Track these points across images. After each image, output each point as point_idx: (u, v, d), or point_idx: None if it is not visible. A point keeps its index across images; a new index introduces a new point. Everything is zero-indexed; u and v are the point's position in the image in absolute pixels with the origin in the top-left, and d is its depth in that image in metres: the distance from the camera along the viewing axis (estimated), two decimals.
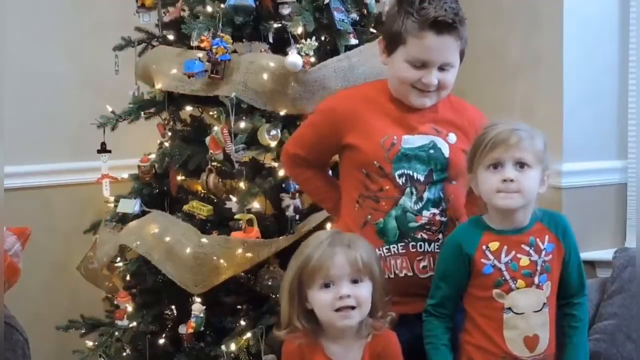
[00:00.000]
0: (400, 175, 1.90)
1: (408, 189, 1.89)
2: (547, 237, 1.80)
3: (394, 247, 1.89)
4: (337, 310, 1.70)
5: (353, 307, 1.71)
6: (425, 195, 1.90)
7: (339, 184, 2.06)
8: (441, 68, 1.89)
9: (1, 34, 2.66)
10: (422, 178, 1.90)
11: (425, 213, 1.89)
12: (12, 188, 2.72)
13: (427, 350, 1.83)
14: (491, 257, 1.78)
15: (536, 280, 1.78)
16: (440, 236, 1.91)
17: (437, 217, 1.90)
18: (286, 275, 1.78)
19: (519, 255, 1.78)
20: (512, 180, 1.71)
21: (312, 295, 1.73)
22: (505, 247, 1.78)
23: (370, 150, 1.91)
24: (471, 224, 1.85)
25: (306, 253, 1.74)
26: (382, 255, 1.89)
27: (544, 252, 1.79)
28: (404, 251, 1.89)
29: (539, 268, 1.79)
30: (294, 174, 2.15)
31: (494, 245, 1.78)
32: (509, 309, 1.77)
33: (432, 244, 1.90)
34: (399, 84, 1.93)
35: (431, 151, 1.91)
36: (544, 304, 1.79)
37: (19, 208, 2.74)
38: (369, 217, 1.91)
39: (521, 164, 1.73)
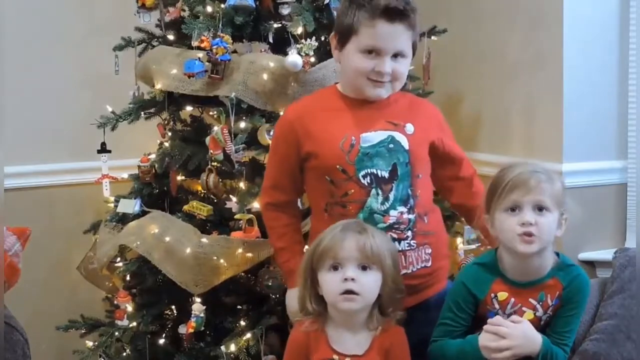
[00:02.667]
0: (364, 176, 1.89)
1: (373, 190, 1.89)
2: (557, 293, 1.78)
3: None
4: (342, 293, 1.72)
5: (357, 293, 1.72)
6: (392, 194, 1.90)
7: (307, 197, 2.05)
8: (394, 57, 1.89)
9: (1, 33, 2.66)
10: (386, 175, 1.90)
11: (393, 213, 1.89)
12: (12, 188, 2.72)
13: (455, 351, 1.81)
14: (497, 306, 1.79)
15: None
16: (409, 233, 1.90)
17: (405, 215, 1.90)
18: (302, 259, 1.81)
19: (524, 309, 1.78)
20: (531, 224, 1.69)
21: (321, 277, 1.75)
22: (513, 299, 1.78)
23: (330, 156, 1.91)
24: (484, 267, 1.82)
25: (320, 237, 1.78)
26: None
27: (550, 309, 1.78)
28: None
29: (542, 323, 1.79)
30: (272, 223, 2.07)
31: (503, 296, 1.78)
32: None
33: (402, 242, 1.90)
34: (354, 76, 1.92)
35: (391, 145, 1.91)
36: None
37: (19, 208, 2.73)
38: (339, 212, 1.91)
39: (540, 208, 1.70)
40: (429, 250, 1.95)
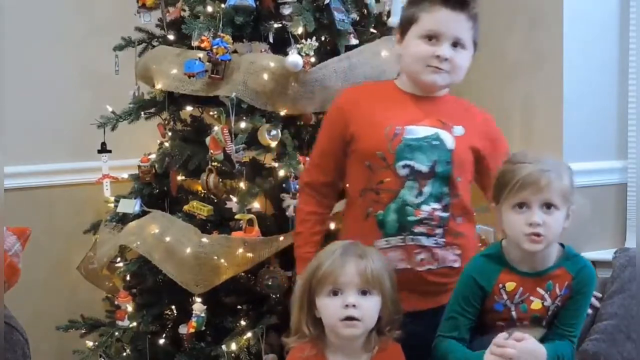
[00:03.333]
0: (402, 167, 1.91)
1: (409, 182, 1.90)
2: (566, 283, 1.79)
3: (392, 240, 1.92)
4: (343, 319, 1.70)
5: (358, 319, 1.70)
6: (427, 189, 1.91)
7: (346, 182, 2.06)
8: (454, 46, 1.92)
9: (1, 33, 2.66)
10: (425, 170, 1.91)
11: (425, 208, 1.90)
12: (12, 188, 2.72)
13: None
14: (505, 296, 1.79)
15: (544, 322, 1.79)
16: (438, 231, 1.91)
17: (437, 213, 1.91)
18: (298, 281, 1.79)
19: (532, 298, 1.78)
20: (539, 224, 1.70)
21: (320, 302, 1.73)
22: (521, 288, 1.78)
23: (373, 141, 1.92)
24: (490, 258, 1.83)
25: (319, 260, 1.75)
26: (381, 247, 1.90)
27: (559, 298, 1.79)
28: (402, 244, 1.91)
29: (549, 313, 1.79)
30: (301, 206, 2.11)
31: (511, 286, 1.78)
32: (509, 333, 1.77)
33: (430, 238, 1.91)
34: (413, 63, 1.94)
35: (435, 142, 1.92)
36: (543, 337, 1.80)
37: (19, 208, 2.73)
38: (370, 209, 1.94)
39: (548, 205, 1.71)
40: (458, 252, 1.96)
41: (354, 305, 1.70)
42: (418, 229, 1.90)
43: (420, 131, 1.92)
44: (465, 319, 1.81)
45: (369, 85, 2.12)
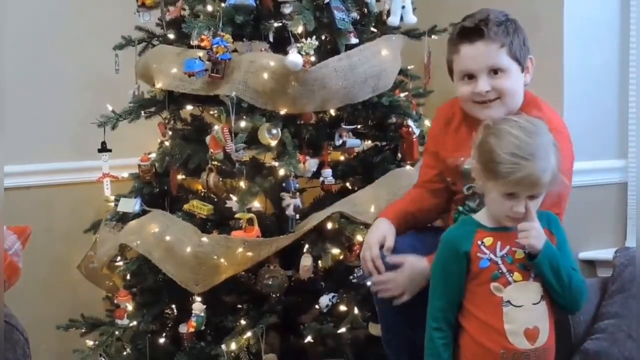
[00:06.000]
0: (468, 188, 2.03)
1: (472, 198, 2.00)
2: None
3: None
4: None
5: None
6: None
7: None
8: (494, 73, 1.95)
9: (1, 33, 2.66)
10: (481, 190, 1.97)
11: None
12: (12, 187, 2.72)
13: None
14: (487, 251, 1.80)
15: (532, 273, 1.79)
16: None
17: None
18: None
19: (514, 249, 1.79)
20: (523, 212, 1.75)
21: None
22: (499, 242, 1.80)
23: (444, 169, 2.10)
24: (462, 224, 1.88)
25: None
26: None
27: None
28: None
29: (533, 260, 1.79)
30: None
31: (489, 241, 1.80)
32: (508, 302, 1.78)
33: None
34: (464, 103, 2.03)
35: None
36: (542, 296, 1.80)
37: (19, 207, 2.73)
38: (453, 206, 2.10)
39: (536, 196, 1.76)
40: None
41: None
42: None
43: None
44: (449, 298, 1.82)
45: (445, 110, 2.17)
